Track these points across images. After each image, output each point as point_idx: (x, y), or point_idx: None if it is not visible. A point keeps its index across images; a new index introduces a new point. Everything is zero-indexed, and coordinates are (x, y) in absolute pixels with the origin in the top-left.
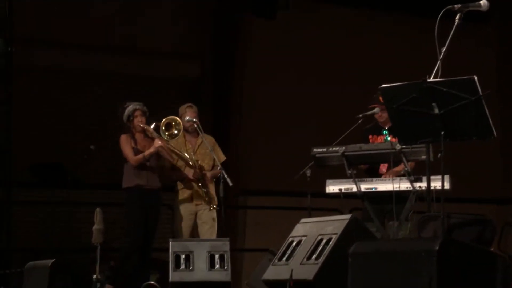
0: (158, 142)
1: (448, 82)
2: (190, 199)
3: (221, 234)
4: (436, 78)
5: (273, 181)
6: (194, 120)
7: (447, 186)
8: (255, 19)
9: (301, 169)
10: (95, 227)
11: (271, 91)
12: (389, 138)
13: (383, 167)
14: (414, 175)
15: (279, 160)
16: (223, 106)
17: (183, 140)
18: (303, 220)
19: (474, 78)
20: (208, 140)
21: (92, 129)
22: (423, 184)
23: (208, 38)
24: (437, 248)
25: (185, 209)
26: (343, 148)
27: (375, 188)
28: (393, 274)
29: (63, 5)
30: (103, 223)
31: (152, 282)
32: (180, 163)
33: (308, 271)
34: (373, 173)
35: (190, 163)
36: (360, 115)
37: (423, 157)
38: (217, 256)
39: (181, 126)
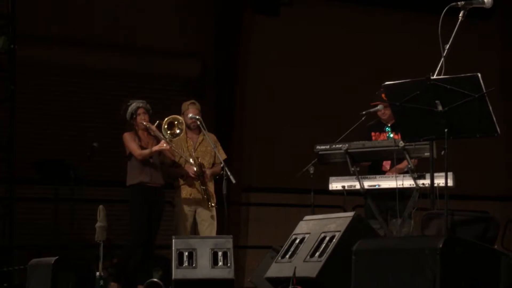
0: (163, 144)
1: (451, 79)
2: (189, 197)
3: (224, 231)
4: (440, 75)
5: (276, 178)
6: (197, 117)
7: (450, 183)
8: (258, 16)
9: (304, 166)
10: (98, 224)
11: (274, 88)
12: (391, 135)
13: (387, 164)
14: (417, 172)
15: (282, 157)
16: (226, 103)
17: (185, 136)
18: (306, 217)
19: (478, 75)
20: (210, 138)
21: (95, 126)
22: (426, 181)
23: (210, 35)
24: (441, 246)
25: (184, 207)
26: (346, 145)
27: (378, 185)
28: (396, 272)
29: (66, 3)
30: (106, 220)
31: (155, 280)
32: (181, 160)
33: (311, 269)
34: (376, 170)
35: (191, 160)
36: (364, 112)
37: (426, 154)
38: (220, 254)
39: (184, 126)
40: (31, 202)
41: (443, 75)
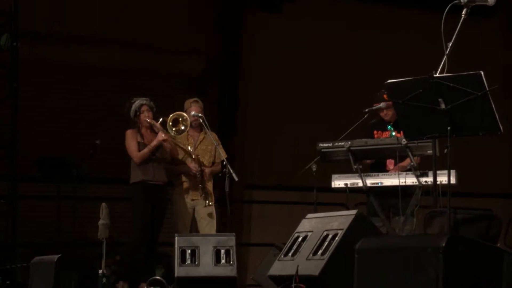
0: (161, 135)
1: (454, 77)
2: (187, 194)
3: (226, 229)
4: (443, 73)
5: (278, 175)
6: (200, 115)
7: (453, 181)
8: (261, 13)
9: (307, 164)
10: (100, 222)
11: (277, 86)
12: (394, 134)
13: (390, 164)
14: (420, 170)
15: (284, 154)
16: (229, 100)
17: (186, 134)
18: (309, 215)
19: (480, 73)
20: (212, 136)
21: (98, 123)
22: (429, 179)
23: (213, 33)
24: (443, 244)
25: (182, 204)
26: (349, 143)
27: (381, 183)
28: (399, 271)
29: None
30: (109, 218)
31: (157, 277)
32: (182, 157)
33: (314, 267)
34: (379, 169)
35: (193, 156)
36: (366, 110)
37: (429, 152)
38: (223, 251)
39: (188, 122)
40: (34, 200)
41: (446, 73)
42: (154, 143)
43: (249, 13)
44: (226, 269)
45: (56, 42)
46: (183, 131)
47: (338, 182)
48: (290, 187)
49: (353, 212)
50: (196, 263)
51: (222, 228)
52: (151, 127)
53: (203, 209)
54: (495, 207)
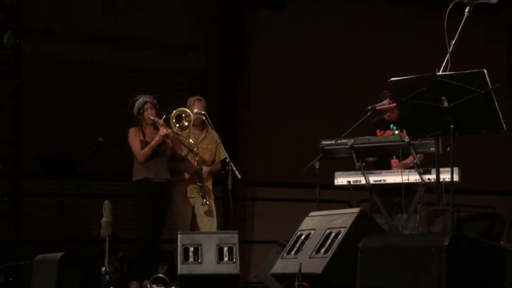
0: (163, 130)
1: (457, 75)
2: (185, 192)
3: (229, 226)
4: (446, 71)
5: (281, 173)
6: (203, 112)
7: (456, 178)
8: (263, 10)
9: (309, 161)
10: (103, 219)
11: (279, 83)
12: (396, 132)
13: (394, 163)
14: (423, 167)
15: (287, 152)
16: (231, 98)
17: (188, 132)
18: (311, 213)
19: (484, 71)
20: (213, 135)
21: (101, 121)
22: (432, 176)
23: (216, 30)
24: (446, 243)
25: (182, 201)
26: (352, 140)
27: (384, 180)
28: (402, 270)
29: None
30: (112, 215)
31: (160, 275)
32: (183, 154)
33: (317, 265)
34: (381, 166)
35: (195, 151)
36: (369, 107)
37: (432, 149)
38: (225, 249)
39: (191, 118)
40: (37, 197)
41: (449, 70)
42: (157, 138)
43: (251, 12)
44: (229, 267)
45: (60, 39)
46: (186, 127)
47: (341, 180)
48: (293, 184)
49: (356, 210)
50: (199, 260)
51: (225, 225)
52: (154, 125)
53: (201, 207)
54: (498, 205)
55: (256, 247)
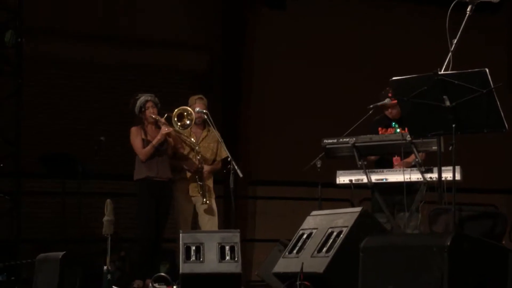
0: (164, 129)
1: (459, 74)
2: (187, 190)
3: (231, 225)
4: (448, 70)
5: (283, 171)
6: (204, 111)
7: (458, 177)
8: (265, 10)
9: (311, 160)
10: (105, 218)
11: (281, 82)
12: (398, 131)
13: (396, 161)
14: (424, 166)
15: (289, 150)
16: (233, 96)
17: (189, 131)
18: (313, 212)
19: (485, 70)
20: (215, 134)
21: (102, 120)
22: (433, 175)
23: (217, 29)
24: (448, 243)
25: (183, 200)
26: (354, 139)
27: (386, 179)
28: (404, 269)
29: None
30: (114, 214)
31: (162, 274)
32: (185, 153)
33: (318, 264)
34: (383, 165)
35: (197, 149)
36: (371, 106)
37: (434, 148)
38: (227, 248)
39: (193, 116)
40: (38, 196)
41: (451, 69)
42: (158, 137)
43: (253, 10)
44: (231, 266)
45: (61, 39)
46: (188, 125)
47: (343, 178)
48: (295, 183)
49: (358, 209)
50: (201, 259)
51: (226, 224)
52: (156, 123)
53: (202, 206)
54: (500, 203)
55: (257, 245)
